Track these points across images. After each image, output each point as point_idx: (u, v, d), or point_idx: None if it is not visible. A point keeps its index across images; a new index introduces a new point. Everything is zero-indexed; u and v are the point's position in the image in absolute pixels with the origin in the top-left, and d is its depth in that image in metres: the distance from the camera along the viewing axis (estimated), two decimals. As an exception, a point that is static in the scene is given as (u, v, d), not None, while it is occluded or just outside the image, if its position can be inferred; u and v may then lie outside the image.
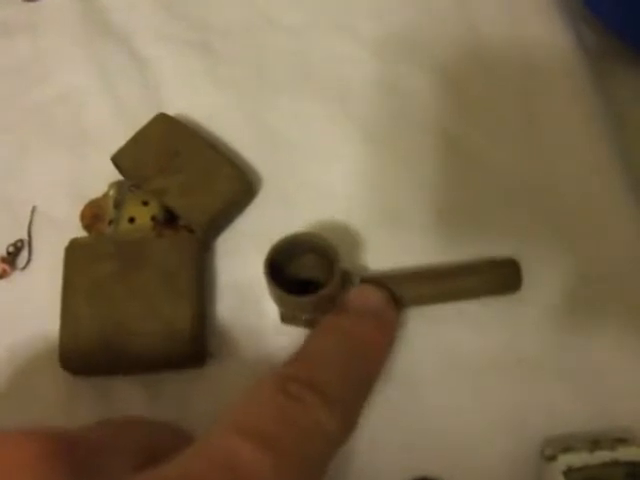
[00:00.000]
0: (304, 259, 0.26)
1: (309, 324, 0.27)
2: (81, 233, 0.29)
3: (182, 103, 0.32)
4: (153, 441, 0.22)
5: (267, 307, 0.27)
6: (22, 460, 0.16)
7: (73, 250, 0.28)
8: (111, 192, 0.29)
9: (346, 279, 0.26)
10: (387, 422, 0.26)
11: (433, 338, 0.27)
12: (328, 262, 0.25)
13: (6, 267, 0.29)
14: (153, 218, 0.28)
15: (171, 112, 0.31)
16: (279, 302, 0.26)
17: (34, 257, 0.30)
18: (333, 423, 0.20)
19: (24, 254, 0.30)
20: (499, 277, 0.27)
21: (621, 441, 0.25)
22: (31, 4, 0.35)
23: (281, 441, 0.18)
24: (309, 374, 0.21)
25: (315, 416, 0.19)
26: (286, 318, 0.27)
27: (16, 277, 0.30)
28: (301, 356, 0.22)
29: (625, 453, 0.25)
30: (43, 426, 0.18)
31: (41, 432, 0.18)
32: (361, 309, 0.24)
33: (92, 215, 0.29)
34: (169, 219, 0.28)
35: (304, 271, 0.26)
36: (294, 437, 0.19)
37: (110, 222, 0.28)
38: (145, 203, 0.28)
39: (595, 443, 0.25)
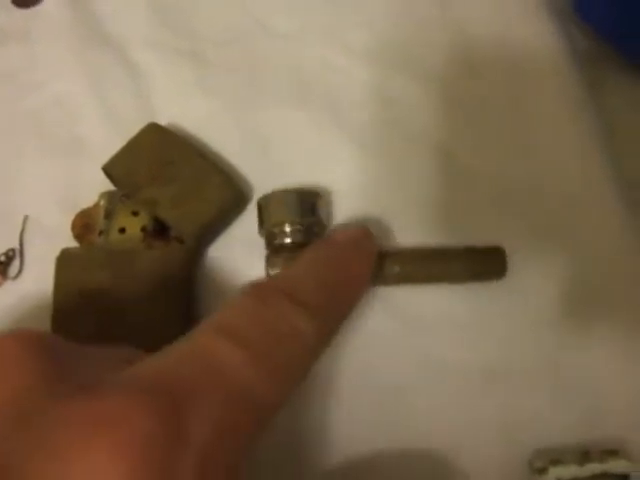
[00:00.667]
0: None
1: None
2: (73, 242, 0.29)
3: (174, 111, 0.32)
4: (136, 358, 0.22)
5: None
6: (6, 355, 0.17)
7: (64, 260, 0.28)
8: (102, 202, 0.29)
9: None
10: (375, 432, 0.26)
11: (421, 348, 0.27)
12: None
13: (-3, 276, 0.30)
14: (143, 229, 0.28)
15: (163, 121, 0.31)
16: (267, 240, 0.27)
17: (26, 266, 0.30)
18: (310, 330, 0.20)
19: (16, 263, 0.30)
20: (483, 262, 0.27)
21: (611, 453, 0.25)
22: (24, 11, 0.35)
23: (258, 342, 0.19)
24: (286, 285, 0.21)
25: (292, 321, 0.20)
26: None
27: (7, 286, 0.30)
28: (281, 274, 0.23)
29: (615, 465, 0.25)
30: (28, 328, 0.19)
31: (27, 331, 0.18)
32: (341, 236, 0.25)
33: (83, 225, 0.29)
34: (160, 229, 0.28)
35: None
36: (271, 339, 0.19)
37: (101, 232, 0.28)
38: (135, 213, 0.28)
39: (585, 455, 0.25)
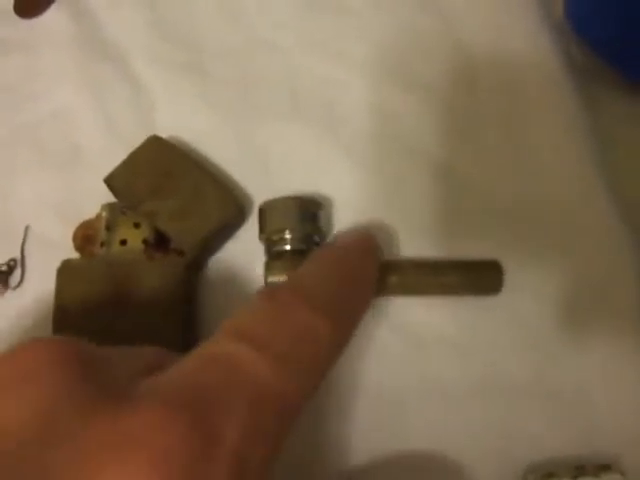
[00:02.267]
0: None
1: None
2: (74, 254, 0.29)
3: (174, 124, 0.32)
4: (160, 361, 0.22)
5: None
6: (37, 364, 0.17)
7: (65, 271, 0.28)
8: (103, 214, 0.29)
9: None
10: (371, 447, 0.26)
11: (413, 361, 0.28)
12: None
13: (-1, 286, 0.30)
14: (145, 241, 0.28)
15: (163, 133, 0.31)
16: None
17: (27, 277, 0.30)
18: (327, 330, 0.20)
19: (17, 273, 0.30)
20: (480, 276, 0.28)
21: (604, 468, 0.25)
22: (26, 22, 0.35)
23: (278, 345, 0.19)
24: (299, 286, 0.22)
25: (309, 323, 0.20)
26: (270, 284, 0.28)
27: (8, 296, 0.30)
28: (293, 276, 0.23)
29: (608, 480, 0.25)
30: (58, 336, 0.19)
31: (55, 339, 0.18)
32: (347, 243, 0.26)
33: (84, 236, 0.29)
34: (160, 241, 0.29)
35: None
36: (290, 341, 0.19)
37: (102, 244, 0.28)
38: (137, 225, 0.28)
39: (578, 469, 0.25)
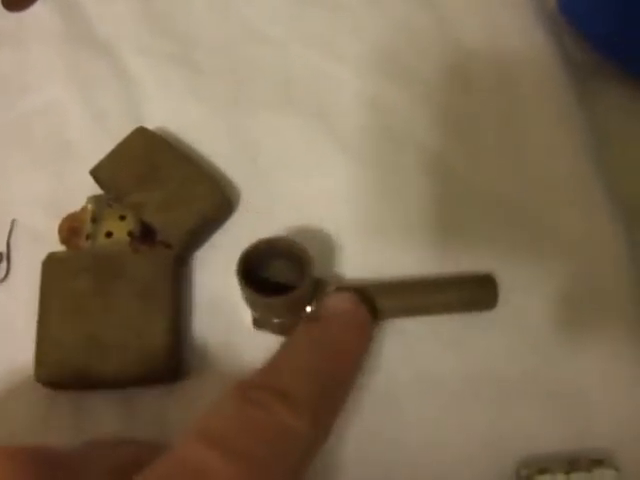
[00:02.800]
0: (278, 264, 0.26)
1: (281, 329, 0.27)
2: (60, 246, 0.29)
3: (163, 116, 0.32)
4: (127, 459, 0.22)
5: (244, 321, 0.27)
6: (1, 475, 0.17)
7: (50, 264, 0.28)
8: (89, 206, 0.29)
9: (319, 286, 0.26)
10: (364, 443, 0.26)
11: (410, 358, 0.27)
12: (300, 266, 0.25)
13: (-16, 280, 0.29)
14: (130, 233, 0.28)
15: (152, 125, 0.31)
16: (251, 304, 0.26)
17: (13, 270, 0.30)
18: (302, 427, 0.19)
19: (2, 266, 0.30)
20: (475, 293, 0.27)
21: (597, 462, 0.25)
22: (14, 15, 0.35)
23: (248, 448, 0.18)
24: (273, 380, 0.21)
25: (281, 421, 0.19)
26: (258, 323, 0.27)
27: (-6, 289, 0.30)
28: (268, 365, 0.22)
29: (601, 475, 0.25)
30: (20, 444, 0.19)
31: (18, 449, 0.18)
32: (331, 315, 0.24)
33: (70, 229, 0.29)
34: (146, 234, 0.28)
35: (278, 276, 0.26)
36: (260, 443, 0.19)
37: (88, 236, 0.28)
38: (122, 218, 0.28)
39: (571, 464, 0.25)
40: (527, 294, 0.28)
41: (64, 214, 0.29)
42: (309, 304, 0.25)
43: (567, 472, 0.25)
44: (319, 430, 0.21)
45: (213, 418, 0.19)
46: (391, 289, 0.27)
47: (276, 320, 0.26)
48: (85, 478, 0.18)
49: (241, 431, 0.19)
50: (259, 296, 0.24)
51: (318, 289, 0.26)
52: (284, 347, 0.23)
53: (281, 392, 0.20)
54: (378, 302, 0.26)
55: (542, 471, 0.25)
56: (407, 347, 0.28)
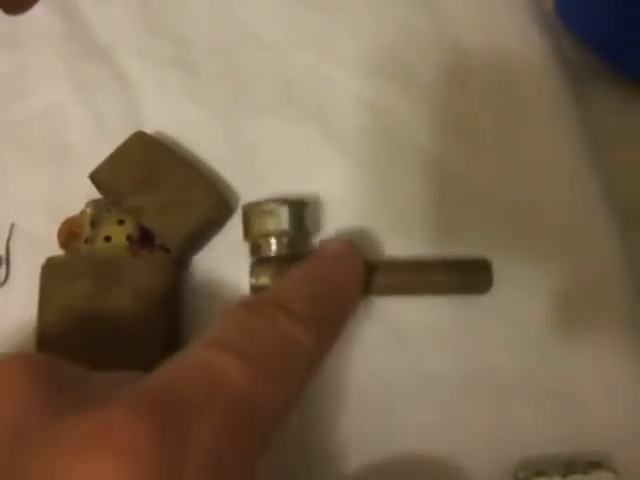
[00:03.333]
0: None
1: None
2: (59, 251, 0.29)
3: (161, 120, 0.32)
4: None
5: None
6: (15, 375, 0.17)
7: (49, 268, 0.28)
8: (88, 210, 0.29)
9: None
10: (361, 443, 0.26)
11: (403, 356, 0.27)
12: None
13: (-17, 284, 0.30)
14: (129, 237, 0.28)
15: (151, 129, 0.31)
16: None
17: (12, 274, 0.30)
18: (306, 340, 0.20)
19: (1, 270, 0.30)
20: (469, 275, 0.27)
21: (595, 465, 0.25)
22: (14, 18, 0.35)
23: (254, 352, 0.19)
24: (277, 298, 0.22)
25: (288, 331, 0.20)
26: (255, 288, 0.27)
27: (-7, 293, 0.30)
28: (271, 288, 0.23)
29: (598, 477, 0.25)
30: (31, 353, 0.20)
31: (33, 355, 0.19)
32: (327, 257, 0.26)
33: (69, 233, 0.29)
34: (145, 237, 0.28)
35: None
36: (267, 349, 0.19)
37: (86, 241, 0.28)
38: (121, 222, 0.28)
39: (568, 467, 0.25)
40: (524, 294, 0.28)
41: (63, 218, 0.29)
42: None
43: (564, 475, 0.25)
44: (321, 343, 0.21)
45: (220, 326, 0.20)
46: (386, 266, 0.28)
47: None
48: (93, 387, 0.19)
49: (247, 337, 0.19)
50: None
51: None
52: (284, 277, 0.24)
53: (286, 308, 0.21)
54: (374, 278, 0.27)
55: (539, 473, 0.25)
56: (403, 347, 0.28)
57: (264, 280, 0.27)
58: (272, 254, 0.27)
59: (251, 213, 0.27)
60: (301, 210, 0.28)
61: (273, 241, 0.27)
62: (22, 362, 0.18)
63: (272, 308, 0.21)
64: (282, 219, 0.27)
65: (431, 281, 0.27)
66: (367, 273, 0.27)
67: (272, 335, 0.20)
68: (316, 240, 0.29)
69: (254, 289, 0.27)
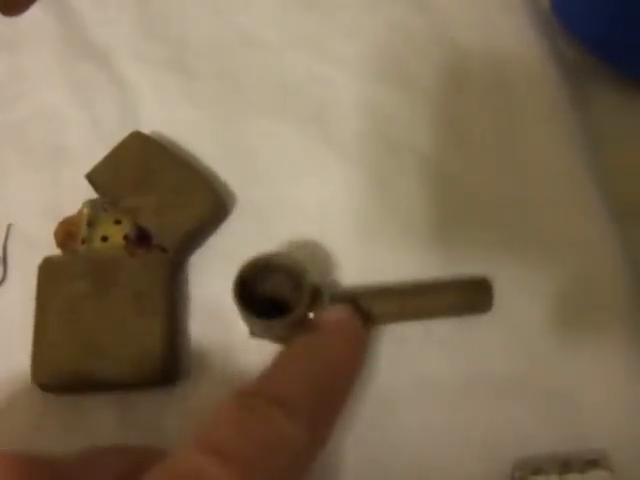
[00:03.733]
0: (274, 279, 0.26)
1: (278, 339, 0.27)
2: (56, 251, 0.29)
3: (158, 121, 0.32)
4: (128, 467, 0.22)
5: (240, 325, 0.27)
6: None
7: (46, 269, 0.28)
8: (85, 210, 0.29)
9: (316, 294, 0.26)
10: (362, 443, 0.26)
11: (403, 360, 0.27)
12: (298, 282, 0.25)
13: (-19, 284, 0.30)
14: (125, 237, 0.28)
15: (147, 130, 0.31)
16: (249, 324, 0.26)
17: (9, 274, 0.30)
18: (299, 435, 0.20)
19: (-1, 271, 0.30)
20: (470, 297, 0.27)
21: (591, 463, 0.25)
22: (9, 20, 0.35)
23: (244, 455, 0.18)
24: (271, 388, 0.21)
25: (282, 430, 0.19)
26: (255, 333, 0.27)
27: (-9, 293, 0.30)
28: (264, 373, 0.22)
29: (595, 476, 0.25)
30: (16, 450, 0.19)
31: (14, 455, 0.19)
32: (328, 327, 0.25)
33: (66, 233, 0.29)
34: (142, 237, 0.28)
35: (274, 290, 0.26)
36: (257, 450, 0.19)
37: (83, 240, 0.28)
38: (118, 222, 0.28)
39: (565, 465, 0.25)
40: (523, 295, 0.28)
41: (60, 218, 0.29)
42: (307, 312, 0.26)
43: (561, 473, 0.25)
44: (316, 436, 0.21)
45: (212, 426, 0.20)
46: (387, 294, 0.27)
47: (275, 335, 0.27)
48: None
49: (238, 438, 0.19)
50: (258, 319, 0.24)
51: (315, 297, 0.26)
52: (281, 355, 0.23)
53: (278, 399, 0.20)
54: (374, 307, 0.26)
55: (536, 472, 0.25)
56: (403, 351, 0.28)
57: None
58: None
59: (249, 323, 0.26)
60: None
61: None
62: (4, 461, 0.18)
63: (265, 402, 0.20)
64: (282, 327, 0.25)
65: (432, 307, 0.27)
66: (368, 304, 0.26)
67: (264, 433, 0.19)
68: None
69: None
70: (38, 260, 0.28)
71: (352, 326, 0.25)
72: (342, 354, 0.24)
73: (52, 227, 0.29)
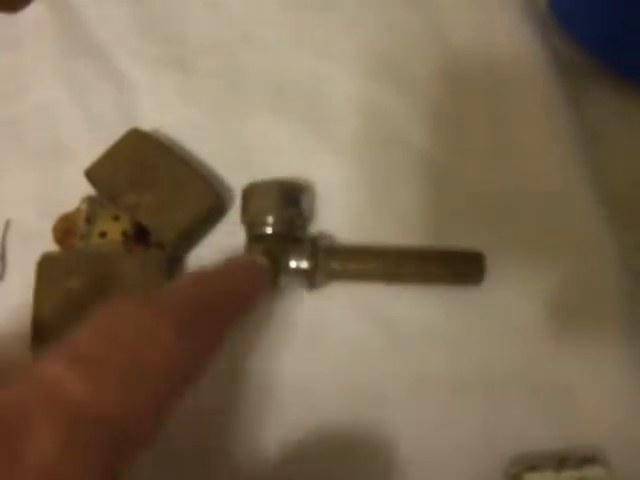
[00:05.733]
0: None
1: None
2: (54, 246, 0.29)
3: (156, 118, 0.32)
4: None
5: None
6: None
7: (44, 264, 0.28)
8: (83, 206, 0.29)
9: (315, 244, 0.28)
10: (356, 438, 0.26)
11: (401, 357, 0.28)
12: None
13: (-20, 279, 0.30)
14: (123, 233, 0.28)
15: (146, 127, 0.31)
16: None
17: (7, 270, 0.30)
18: (169, 334, 0.19)
19: (-2, 267, 0.30)
20: (463, 265, 0.28)
21: (587, 460, 0.25)
22: (8, 17, 0.35)
23: (102, 359, 0.18)
24: (151, 294, 0.21)
25: (146, 325, 0.19)
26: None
27: (-10, 289, 0.30)
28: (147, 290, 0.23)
29: (591, 472, 0.25)
30: None
31: None
32: (227, 263, 0.26)
33: (64, 229, 0.29)
34: (140, 234, 0.29)
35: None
36: (122, 354, 0.18)
37: (82, 237, 0.28)
38: (116, 218, 0.28)
39: (561, 462, 0.25)
40: (519, 294, 0.28)
41: (58, 214, 0.30)
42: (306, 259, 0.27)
43: (557, 470, 0.25)
44: (188, 345, 0.20)
45: (75, 332, 0.19)
46: (382, 254, 0.28)
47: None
48: None
49: (98, 339, 0.19)
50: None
51: (314, 246, 0.27)
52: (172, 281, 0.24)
53: (152, 302, 0.20)
54: (370, 265, 0.28)
55: (532, 469, 0.25)
56: (396, 346, 0.28)
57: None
58: (268, 231, 0.27)
59: (249, 193, 0.28)
60: (298, 191, 0.28)
61: (270, 219, 0.27)
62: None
63: (135, 304, 0.20)
64: (278, 197, 0.27)
65: (424, 269, 0.28)
66: (363, 257, 0.27)
67: (127, 333, 0.19)
68: (312, 229, 0.30)
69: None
70: (36, 256, 0.28)
71: (254, 263, 0.26)
72: (235, 283, 0.24)
73: (50, 223, 0.29)
